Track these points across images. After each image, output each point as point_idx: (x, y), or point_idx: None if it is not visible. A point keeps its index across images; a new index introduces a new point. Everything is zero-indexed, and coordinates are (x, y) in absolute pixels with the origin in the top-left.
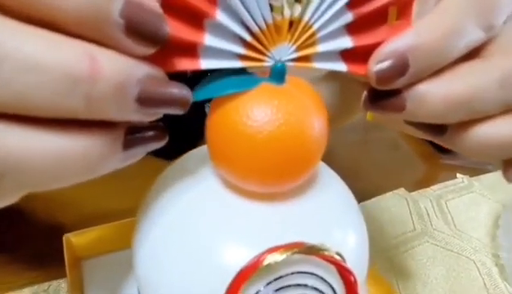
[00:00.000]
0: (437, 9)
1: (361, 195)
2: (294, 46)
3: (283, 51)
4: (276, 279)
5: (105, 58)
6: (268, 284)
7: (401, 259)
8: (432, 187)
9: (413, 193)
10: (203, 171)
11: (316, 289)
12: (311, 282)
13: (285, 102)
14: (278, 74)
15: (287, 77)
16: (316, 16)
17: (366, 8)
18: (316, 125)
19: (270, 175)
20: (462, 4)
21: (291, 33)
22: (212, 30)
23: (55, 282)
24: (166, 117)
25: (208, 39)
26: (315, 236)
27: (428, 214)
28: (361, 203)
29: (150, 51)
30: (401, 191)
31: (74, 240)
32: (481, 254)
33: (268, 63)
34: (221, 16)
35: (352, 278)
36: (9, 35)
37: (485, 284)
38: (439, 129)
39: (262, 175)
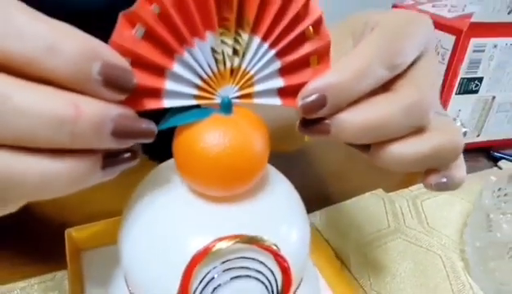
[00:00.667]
0: (349, 54)
1: (345, 195)
2: (237, 87)
3: (228, 91)
4: (223, 262)
5: (85, 104)
6: (217, 266)
7: (374, 253)
8: (410, 188)
9: (391, 194)
10: (173, 179)
11: (258, 271)
12: (253, 265)
13: (230, 129)
14: (226, 107)
15: (234, 109)
16: (251, 65)
17: (291, 57)
18: (256, 145)
19: (220, 183)
20: (369, 49)
21: (233, 77)
22: (171, 78)
23: (59, 273)
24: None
25: (169, 85)
26: (260, 230)
27: (402, 213)
28: (341, 203)
29: (122, 97)
30: (379, 191)
31: (75, 234)
32: (449, 250)
33: (217, 100)
34: (177, 68)
35: (286, 265)
36: (12, 89)
37: (448, 276)
38: (364, 147)
39: (214, 183)
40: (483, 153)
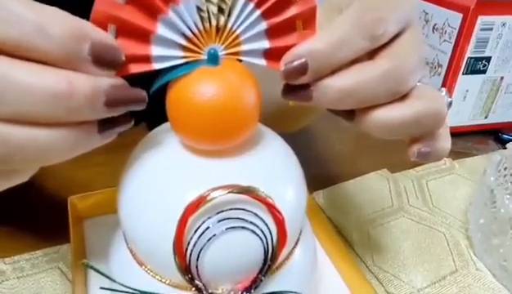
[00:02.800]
0: (332, 24)
1: (350, 175)
2: (223, 46)
3: (215, 47)
4: (218, 213)
5: (77, 79)
6: (212, 216)
7: (377, 231)
8: (415, 168)
9: (395, 174)
10: (167, 139)
11: (253, 224)
12: (248, 217)
13: (216, 79)
14: (212, 58)
15: (221, 61)
16: (237, 24)
17: (277, 19)
18: (244, 96)
19: (211, 134)
20: (349, 20)
21: (219, 36)
22: (157, 43)
23: (64, 246)
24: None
25: (155, 50)
26: (255, 183)
27: (406, 192)
28: (345, 182)
29: (112, 73)
30: (384, 171)
31: (78, 202)
32: (453, 228)
33: (204, 57)
34: (162, 30)
35: (281, 217)
36: (10, 69)
37: (451, 253)
38: (349, 115)
39: (205, 134)
40: (491, 136)
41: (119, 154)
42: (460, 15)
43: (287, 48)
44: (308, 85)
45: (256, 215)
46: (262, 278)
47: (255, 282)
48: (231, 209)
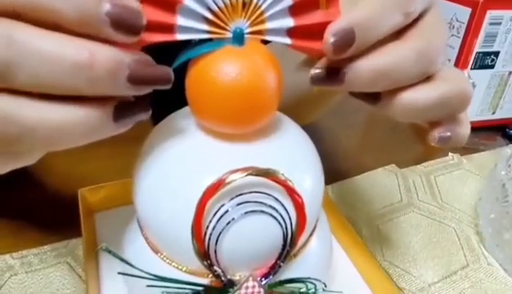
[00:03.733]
0: (364, 1)
1: (358, 170)
2: (248, 22)
3: (240, 25)
4: (237, 196)
5: (99, 50)
6: (231, 200)
7: (386, 226)
8: (423, 164)
9: (404, 169)
10: (186, 122)
11: (271, 207)
12: (267, 201)
13: (241, 59)
14: (238, 38)
15: (246, 41)
16: (262, 0)
17: None
18: (268, 79)
19: (232, 117)
20: None
21: (245, 11)
22: (182, 13)
23: (73, 240)
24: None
25: (180, 20)
26: (275, 167)
27: (415, 187)
28: (354, 177)
29: (133, 39)
30: (392, 167)
31: (88, 194)
32: (463, 223)
33: (229, 34)
34: (188, 1)
35: (300, 200)
36: (32, 37)
37: (462, 248)
38: (374, 98)
39: (226, 116)
40: (499, 132)
41: (124, 148)
42: (469, 10)
43: (311, 27)
44: (339, 68)
45: (275, 198)
46: (281, 263)
47: (274, 269)
48: (250, 192)
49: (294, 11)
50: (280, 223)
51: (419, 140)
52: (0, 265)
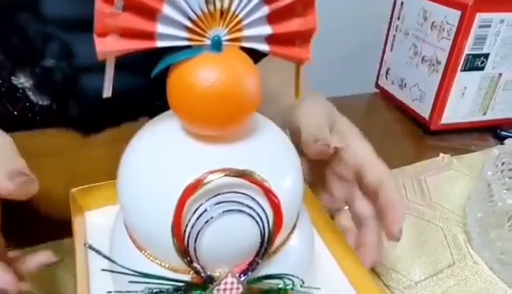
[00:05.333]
0: None
1: None
2: (226, 30)
3: (219, 33)
4: (215, 195)
5: None
6: (209, 199)
7: None
8: (414, 164)
9: (394, 170)
10: (169, 123)
11: (248, 206)
12: (244, 200)
13: (219, 65)
14: (216, 45)
15: (224, 48)
16: (240, 7)
17: (279, 4)
18: (245, 83)
19: (211, 120)
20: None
21: (223, 20)
22: (162, 21)
23: (66, 240)
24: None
25: (160, 28)
26: (252, 168)
27: (405, 188)
28: None
29: None
30: None
31: (78, 194)
32: (451, 223)
33: (208, 42)
34: (167, 10)
35: (277, 200)
36: None
37: (449, 247)
38: None
39: (205, 118)
40: (490, 133)
41: (117, 148)
42: (459, 13)
43: (289, 34)
44: None
45: (252, 198)
46: (259, 261)
47: (252, 265)
48: (227, 192)
49: (271, 18)
50: (257, 222)
51: (412, 142)
52: None
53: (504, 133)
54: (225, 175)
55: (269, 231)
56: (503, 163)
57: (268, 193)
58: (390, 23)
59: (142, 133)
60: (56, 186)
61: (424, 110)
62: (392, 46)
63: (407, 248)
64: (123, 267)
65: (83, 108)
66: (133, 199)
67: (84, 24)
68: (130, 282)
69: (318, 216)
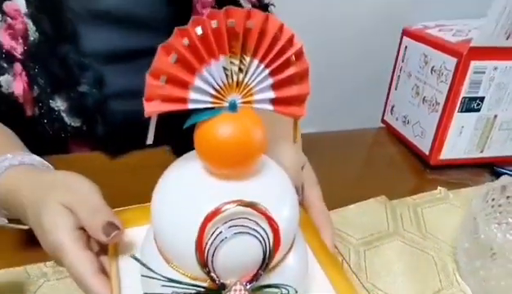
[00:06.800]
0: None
1: (355, 200)
2: (241, 96)
3: (234, 98)
4: (229, 221)
5: None
6: (224, 223)
7: (372, 252)
8: (412, 196)
9: (393, 201)
10: (194, 164)
11: (254, 230)
12: (251, 225)
13: (234, 122)
14: (232, 107)
15: (239, 109)
16: (251, 80)
17: (280, 76)
18: (253, 135)
19: (228, 162)
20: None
21: (238, 88)
22: (194, 90)
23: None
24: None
25: (192, 95)
26: (258, 200)
27: (402, 218)
28: (346, 206)
29: None
30: (382, 198)
31: None
32: (442, 252)
33: (227, 104)
34: (198, 82)
35: (276, 226)
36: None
37: (438, 274)
38: None
39: (223, 162)
40: (488, 169)
41: (142, 175)
42: (455, 60)
43: (288, 98)
44: None
45: (257, 224)
46: (262, 273)
47: (256, 276)
48: (238, 218)
49: (275, 86)
50: (260, 242)
51: (413, 175)
52: (36, 272)
53: (500, 170)
54: (237, 206)
55: (270, 250)
56: (493, 199)
57: (270, 220)
58: (395, 64)
59: (172, 170)
60: None
61: (424, 146)
62: (396, 85)
63: (400, 273)
64: (158, 274)
65: (109, 129)
66: (165, 223)
67: (115, 58)
68: (163, 286)
69: (312, 238)
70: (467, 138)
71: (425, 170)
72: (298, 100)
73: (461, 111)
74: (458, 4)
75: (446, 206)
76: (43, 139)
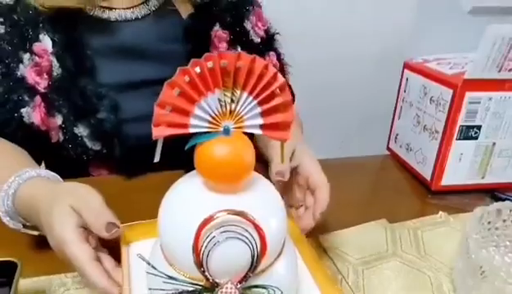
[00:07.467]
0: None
1: (360, 222)
2: (233, 122)
3: (228, 124)
4: (221, 226)
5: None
6: (217, 229)
7: (370, 271)
8: (413, 220)
9: (394, 224)
10: (194, 180)
11: (243, 235)
12: (241, 231)
13: (228, 144)
14: (226, 131)
15: (232, 133)
16: (242, 108)
17: (267, 106)
18: (244, 155)
19: (222, 178)
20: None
21: (231, 116)
22: (194, 117)
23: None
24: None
25: (192, 121)
26: (247, 210)
27: (401, 240)
28: (347, 229)
29: None
30: (383, 221)
31: (125, 229)
32: (439, 273)
33: (221, 129)
34: (197, 111)
35: (263, 233)
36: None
37: (433, 293)
38: None
39: (218, 178)
40: (489, 195)
41: (157, 194)
42: (451, 91)
43: (275, 124)
44: None
45: (246, 230)
46: (250, 274)
47: (245, 277)
48: (229, 225)
49: (263, 114)
50: (249, 246)
51: (417, 199)
52: (57, 281)
53: (501, 196)
54: (228, 214)
55: (257, 254)
56: (489, 222)
57: (257, 228)
58: (398, 95)
59: (176, 185)
60: None
61: (426, 172)
62: (399, 114)
63: (396, 292)
64: (160, 271)
65: (125, 151)
66: (168, 229)
67: (128, 87)
68: (164, 282)
69: (307, 253)
70: (467, 165)
71: (427, 195)
72: (284, 126)
73: (459, 139)
74: (457, 38)
75: (446, 229)
76: (67, 162)
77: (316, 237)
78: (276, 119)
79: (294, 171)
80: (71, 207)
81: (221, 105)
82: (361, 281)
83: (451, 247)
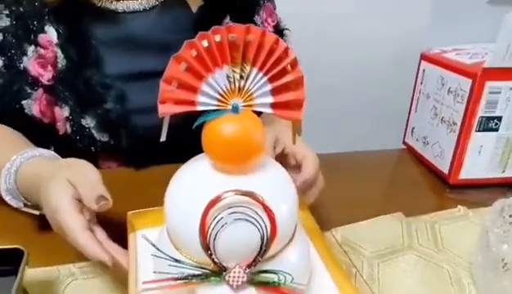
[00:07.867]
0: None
1: (376, 216)
2: (242, 100)
3: (236, 101)
4: (229, 208)
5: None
6: (225, 210)
7: (385, 264)
8: (430, 214)
9: (409, 218)
10: (204, 161)
11: (252, 217)
12: (250, 212)
13: (236, 122)
14: (235, 109)
15: (241, 111)
16: (252, 85)
17: (277, 83)
18: (253, 135)
19: (230, 159)
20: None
21: (240, 93)
22: (201, 94)
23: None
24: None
25: (200, 98)
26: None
27: (417, 233)
28: (362, 222)
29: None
30: (399, 214)
31: (133, 216)
32: (458, 267)
33: (230, 107)
34: (205, 87)
35: (272, 215)
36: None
37: (452, 287)
38: None
39: (226, 158)
40: (510, 188)
41: (166, 186)
42: (470, 81)
43: (286, 102)
44: None
45: (255, 212)
46: (260, 259)
47: (254, 262)
48: (238, 206)
49: (273, 92)
50: (258, 229)
51: (435, 194)
52: (65, 271)
53: None
54: (236, 194)
55: (267, 237)
56: (510, 216)
57: (267, 209)
58: (414, 87)
59: (183, 167)
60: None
61: (443, 166)
62: (416, 107)
63: (413, 286)
64: (166, 254)
65: (132, 142)
66: (175, 211)
67: (135, 78)
68: (169, 265)
69: (318, 240)
70: (487, 158)
71: (445, 190)
72: (296, 105)
73: (479, 130)
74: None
75: (464, 223)
76: (75, 155)
77: (330, 230)
78: (288, 97)
79: (283, 156)
80: (67, 179)
81: (229, 82)
82: (376, 274)
83: (469, 241)
